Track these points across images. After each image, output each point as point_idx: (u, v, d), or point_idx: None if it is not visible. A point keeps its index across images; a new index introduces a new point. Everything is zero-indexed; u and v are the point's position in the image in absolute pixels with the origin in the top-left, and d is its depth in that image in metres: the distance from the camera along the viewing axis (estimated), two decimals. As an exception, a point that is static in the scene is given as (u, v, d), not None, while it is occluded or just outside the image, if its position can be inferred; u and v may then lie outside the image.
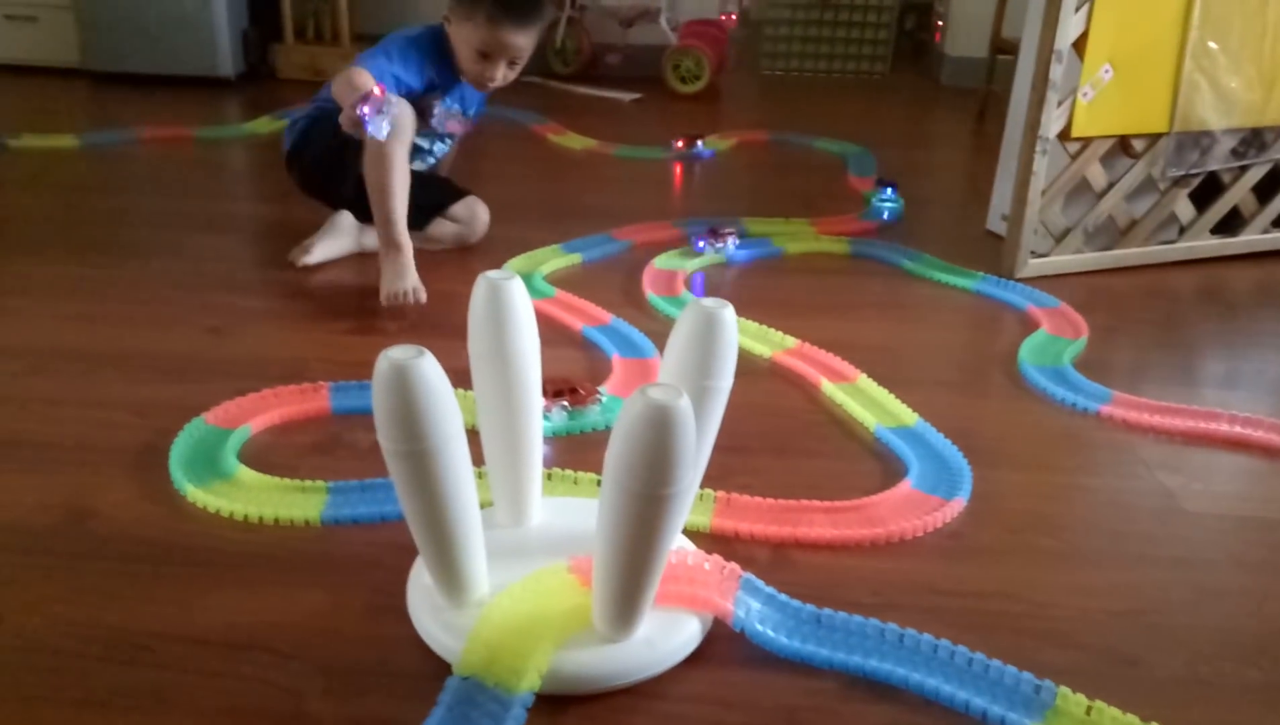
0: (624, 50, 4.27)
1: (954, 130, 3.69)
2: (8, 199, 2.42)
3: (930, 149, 3.47)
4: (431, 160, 2.11)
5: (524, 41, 1.92)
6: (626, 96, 3.92)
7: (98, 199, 2.43)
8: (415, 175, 1.89)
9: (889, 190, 2.53)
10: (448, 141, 2.14)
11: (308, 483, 1.25)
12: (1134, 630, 1.08)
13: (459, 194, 2.09)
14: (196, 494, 1.22)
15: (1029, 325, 1.87)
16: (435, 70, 1.96)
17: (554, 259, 2.06)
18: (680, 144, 3.02)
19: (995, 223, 2.36)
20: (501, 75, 1.97)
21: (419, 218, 1.95)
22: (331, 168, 1.98)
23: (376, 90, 1.65)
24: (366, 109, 1.63)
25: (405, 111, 1.81)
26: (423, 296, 1.79)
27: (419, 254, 1.86)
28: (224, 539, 1.16)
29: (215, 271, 1.97)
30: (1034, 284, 2.03)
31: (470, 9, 1.90)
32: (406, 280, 1.80)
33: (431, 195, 2.04)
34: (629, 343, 1.69)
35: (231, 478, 1.26)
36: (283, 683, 0.95)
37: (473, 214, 2.10)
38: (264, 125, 3.13)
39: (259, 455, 1.33)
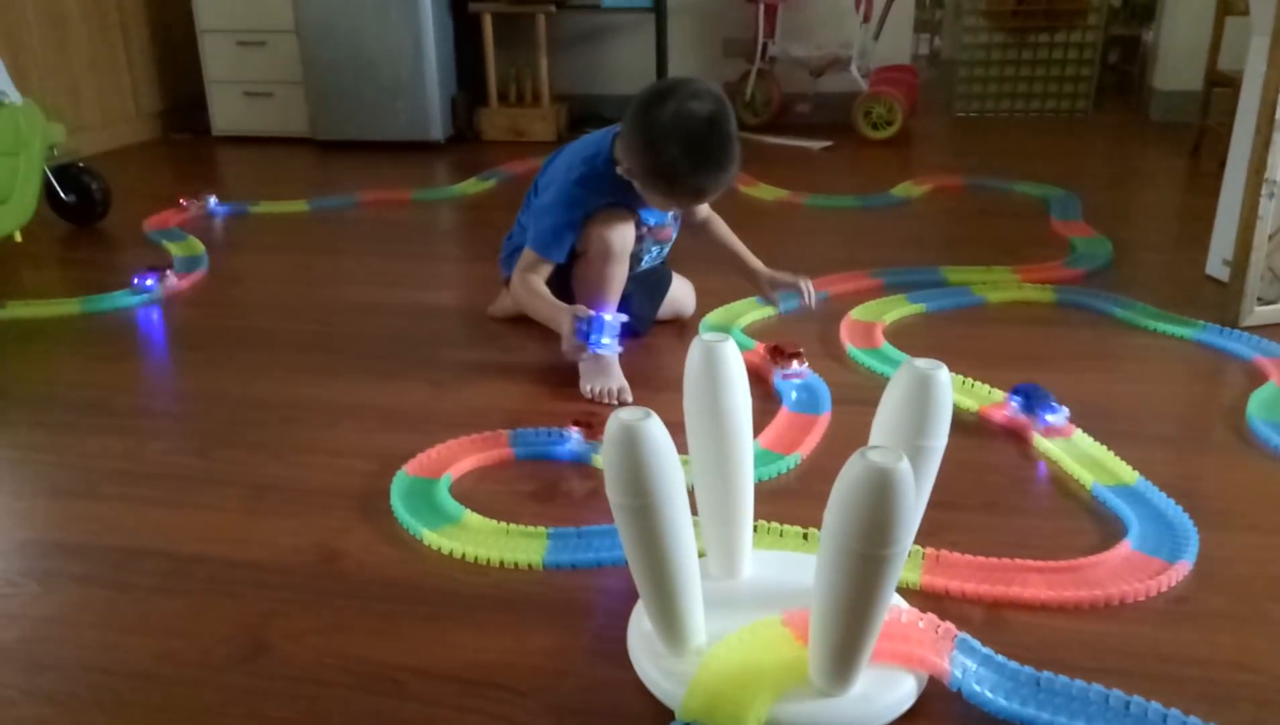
0: (814, 99, 4.31)
1: (1166, 169, 3.53)
2: (250, 261, 2.66)
3: (1140, 189, 3.33)
4: (642, 267, 1.97)
5: (717, 192, 1.70)
6: (817, 145, 3.95)
7: (327, 260, 2.64)
8: (633, 281, 1.88)
9: None
10: (662, 249, 1.98)
11: (530, 528, 1.33)
12: (1387, 708, 1.01)
13: (666, 288, 2.06)
14: (431, 537, 1.31)
15: (1256, 377, 1.78)
16: (611, 200, 1.78)
17: (751, 311, 2.10)
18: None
19: (1216, 267, 2.26)
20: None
21: (641, 328, 1.97)
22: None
23: (582, 324, 1.66)
24: (586, 352, 1.68)
25: (616, 320, 1.72)
26: (628, 397, 1.73)
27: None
28: (456, 580, 1.24)
29: (433, 327, 2.10)
30: (1261, 333, 1.93)
31: (644, 179, 1.70)
32: (611, 379, 1.75)
33: (644, 306, 1.99)
34: (814, 397, 1.71)
35: (459, 522, 1.35)
36: (519, 719, 1.01)
37: (681, 305, 2.09)
38: (472, 186, 3.32)
39: (474, 501, 1.41)
